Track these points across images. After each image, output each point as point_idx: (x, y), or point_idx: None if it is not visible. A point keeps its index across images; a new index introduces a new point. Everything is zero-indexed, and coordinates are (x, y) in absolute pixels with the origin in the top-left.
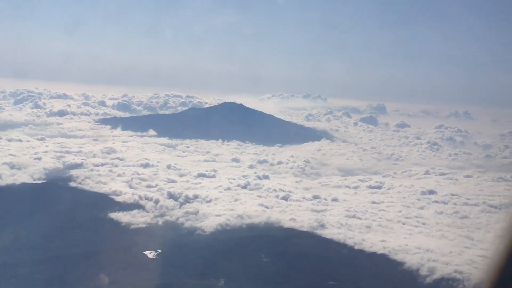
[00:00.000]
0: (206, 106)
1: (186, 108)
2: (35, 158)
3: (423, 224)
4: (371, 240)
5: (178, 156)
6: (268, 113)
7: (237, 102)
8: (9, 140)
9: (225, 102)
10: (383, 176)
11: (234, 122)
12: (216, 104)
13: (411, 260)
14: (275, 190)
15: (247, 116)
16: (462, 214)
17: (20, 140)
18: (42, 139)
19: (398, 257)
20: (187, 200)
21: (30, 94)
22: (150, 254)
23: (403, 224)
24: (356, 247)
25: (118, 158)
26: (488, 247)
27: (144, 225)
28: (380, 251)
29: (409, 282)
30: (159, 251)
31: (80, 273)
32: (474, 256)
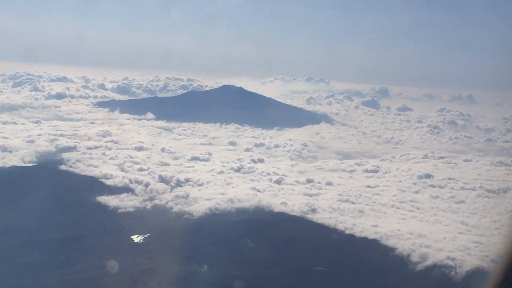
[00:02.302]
0: (206, 89)
1: (186, 91)
2: (28, 141)
3: (418, 208)
4: (363, 225)
5: (174, 139)
6: (268, 96)
7: (236, 85)
8: (4, 123)
9: (224, 85)
10: (381, 160)
11: (233, 106)
12: (216, 87)
13: (402, 245)
14: (268, 173)
15: (246, 99)
16: (458, 199)
17: (15, 123)
18: (37, 122)
19: (390, 242)
20: (178, 183)
21: (30, 77)
22: (137, 238)
23: (397, 208)
24: (347, 232)
25: (112, 141)
26: (483, 233)
27: (132, 209)
28: (371, 236)
29: (400, 268)
30: (146, 235)
31: (64, 257)
32: (468, 242)
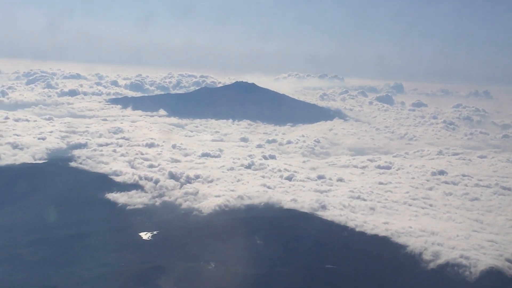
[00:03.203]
0: (219, 86)
1: (199, 87)
2: (39, 138)
3: (430, 205)
4: (374, 222)
5: (186, 136)
6: (281, 93)
7: (249, 82)
8: (16, 120)
9: (236, 82)
10: (394, 156)
11: (245, 102)
12: (229, 84)
13: (414, 243)
14: (279, 170)
15: (259, 96)
16: (472, 196)
17: (27, 120)
18: (49, 119)
19: (401, 240)
20: (188, 180)
21: (43, 74)
22: (145, 235)
23: (409, 205)
24: (358, 229)
25: (123, 138)
26: (498, 231)
27: (141, 206)
28: (382, 234)
29: (411, 267)
30: (154, 232)
31: (72, 255)
32: (482, 240)
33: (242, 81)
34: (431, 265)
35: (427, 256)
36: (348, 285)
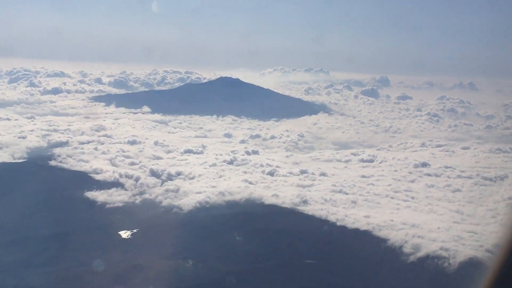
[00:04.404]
0: (205, 81)
1: (184, 84)
2: (19, 137)
3: (412, 198)
4: (355, 216)
5: (169, 133)
6: (266, 88)
7: (233, 77)
8: None
9: (220, 77)
10: (378, 149)
11: (229, 97)
12: (213, 80)
13: (395, 236)
14: (262, 165)
15: (244, 91)
16: (454, 187)
17: (8, 119)
18: (31, 117)
19: (382, 233)
20: (170, 177)
21: (26, 72)
22: (124, 234)
23: (391, 198)
24: (338, 223)
25: (105, 135)
26: (478, 222)
27: (120, 204)
28: (363, 228)
29: (391, 260)
30: (134, 231)
31: (49, 255)
32: (462, 231)
33: (226, 77)
34: (411, 258)
35: (407, 249)
36: (328, 280)
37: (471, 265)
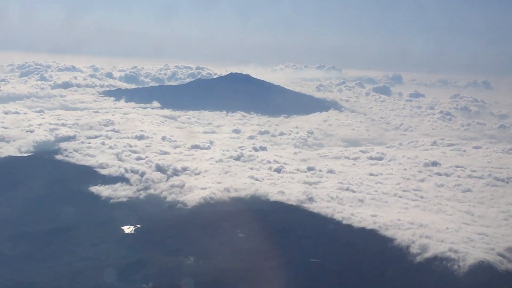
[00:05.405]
0: (215, 77)
1: (194, 79)
2: (27, 131)
3: (421, 197)
4: (361, 215)
5: (177, 128)
6: (277, 84)
7: (244, 73)
8: (6, 113)
9: (231, 73)
10: (387, 147)
11: (239, 93)
12: (223, 75)
13: (402, 236)
14: (269, 161)
15: (254, 87)
16: (464, 187)
17: (18, 113)
18: (40, 111)
19: (389, 233)
20: (175, 172)
21: (37, 66)
22: (128, 229)
23: (399, 197)
24: (344, 222)
25: (113, 130)
26: (489, 223)
27: (125, 199)
28: (369, 227)
29: (397, 260)
30: (138, 226)
31: (52, 249)
32: (472, 233)
33: (237, 73)
34: (418, 259)
35: (414, 250)
36: (333, 280)
37: (481, 269)
